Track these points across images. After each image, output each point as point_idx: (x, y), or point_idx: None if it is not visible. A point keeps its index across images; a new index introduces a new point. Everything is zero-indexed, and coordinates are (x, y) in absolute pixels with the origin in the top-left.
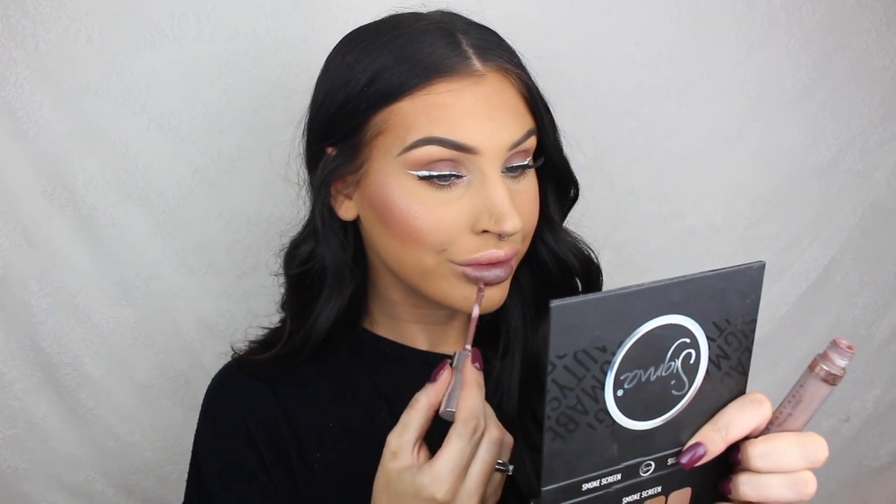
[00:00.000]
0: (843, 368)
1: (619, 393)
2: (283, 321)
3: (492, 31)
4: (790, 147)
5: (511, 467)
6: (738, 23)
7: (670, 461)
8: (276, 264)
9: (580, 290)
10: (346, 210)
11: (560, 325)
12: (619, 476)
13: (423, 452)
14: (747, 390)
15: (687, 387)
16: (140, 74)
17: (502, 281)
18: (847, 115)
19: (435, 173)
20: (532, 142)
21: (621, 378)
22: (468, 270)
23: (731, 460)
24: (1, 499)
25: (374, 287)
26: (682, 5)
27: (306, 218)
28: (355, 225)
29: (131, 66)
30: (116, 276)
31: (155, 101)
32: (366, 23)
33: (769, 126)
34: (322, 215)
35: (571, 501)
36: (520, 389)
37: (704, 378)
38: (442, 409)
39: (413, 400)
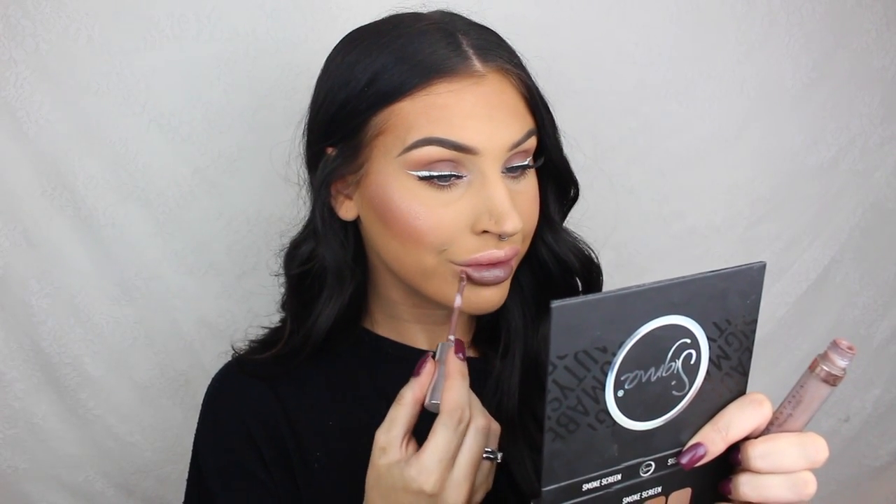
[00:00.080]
0: (844, 369)
1: (620, 393)
2: (283, 321)
3: (492, 31)
4: (790, 147)
5: (500, 455)
6: (738, 23)
7: (670, 461)
8: (277, 264)
9: (580, 290)
10: (347, 210)
11: (560, 326)
12: (619, 476)
13: (412, 446)
14: (747, 390)
15: (687, 387)
16: (140, 74)
17: (502, 281)
18: (847, 115)
19: (435, 174)
20: (532, 142)
21: (622, 378)
22: (468, 270)
23: (731, 460)
24: (1, 499)
25: (375, 287)
26: (682, 5)
27: (306, 218)
28: (355, 225)
29: (131, 66)
30: (116, 276)
31: (155, 101)
32: (366, 23)
33: (769, 126)
34: (322, 215)
35: (572, 502)
36: (520, 389)
37: (705, 378)
38: (427, 401)
39: (399, 395)
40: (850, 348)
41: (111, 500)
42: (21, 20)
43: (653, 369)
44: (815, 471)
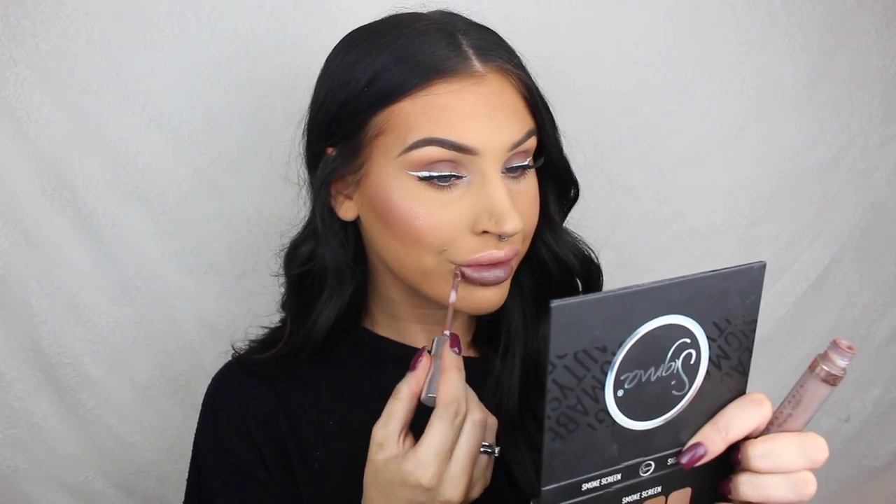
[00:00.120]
0: (844, 369)
1: (620, 393)
2: (283, 321)
3: (492, 31)
4: (790, 147)
5: (497, 449)
6: (738, 23)
7: (670, 461)
8: (277, 264)
9: (580, 290)
10: (347, 210)
11: (560, 325)
12: (619, 476)
13: (409, 441)
14: (747, 390)
15: (687, 387)
16: (140, 74)
17: (502, 281)
18: (847, 115)
19: (435, 174)
20: (532, 142)
21: (621, 378)
22: (468, 271)
23: (731, 460)
24: (1, 499)
25: (375, 287)
26: (682, 5)
27: (306, 218)
28: (355, 225)
29: (131, 66)
30: (116, 276)
31: (155, 101)
32: (366, 23)
33: (769, 126)
34: (322, 215)
35: (571, 501)
36: (520, 389)
37: (705, 378)
38: (423, 395)
39: (395, 390)
40: (849, 348)
41: (111, 500)
42: (21, 20)
43: (652, 369)
44: (815, 471)
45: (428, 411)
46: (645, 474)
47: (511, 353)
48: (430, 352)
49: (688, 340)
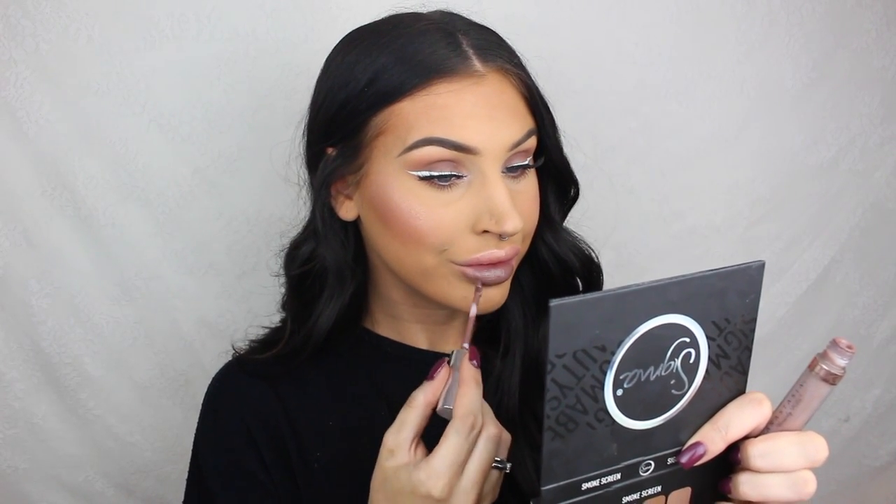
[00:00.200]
0: (843, 368)
1: (619, 392)
2: (283, 321)
3: (492, 31)
4: (790, 147)
5: (509, 465)
6: (738, 23)
7: (670, 461)
8: (277, 264)
9: (581, 289)
10: (347, 210)
11: (559, 325)
12: (618, 475)
13: (421, 450)
14: (747, 390)
15: (686, 386)
16: (140, 74)
17: (502, 281)
18: (847, 115)
19: (435, 174)
20: (532, 142)
21: (621, 377)
22: (468, 271)
23: (730, 460)
24: (1, 499)
25: (375, 287)
26: (682, 5)
27: (307, 218)
28: (356, 225)
29: (131, 66)
30: (116, 276)
31: (155, 101)
32: (366, 23)
33: (769, 126)
34: (322, 216)
35: (571, 501)
36: (520, 389)
37: (704, 377)
38: (440, 406)
39: (410, 398)
40: (849, 347)
41: (111, 500)
42: (21, 20)
43: (652, 368)
44: (815, 470)
45: (440, 421)
46: (645, 474)
47: (511, 353)
48: (449, 363)
49: (687, 340)
